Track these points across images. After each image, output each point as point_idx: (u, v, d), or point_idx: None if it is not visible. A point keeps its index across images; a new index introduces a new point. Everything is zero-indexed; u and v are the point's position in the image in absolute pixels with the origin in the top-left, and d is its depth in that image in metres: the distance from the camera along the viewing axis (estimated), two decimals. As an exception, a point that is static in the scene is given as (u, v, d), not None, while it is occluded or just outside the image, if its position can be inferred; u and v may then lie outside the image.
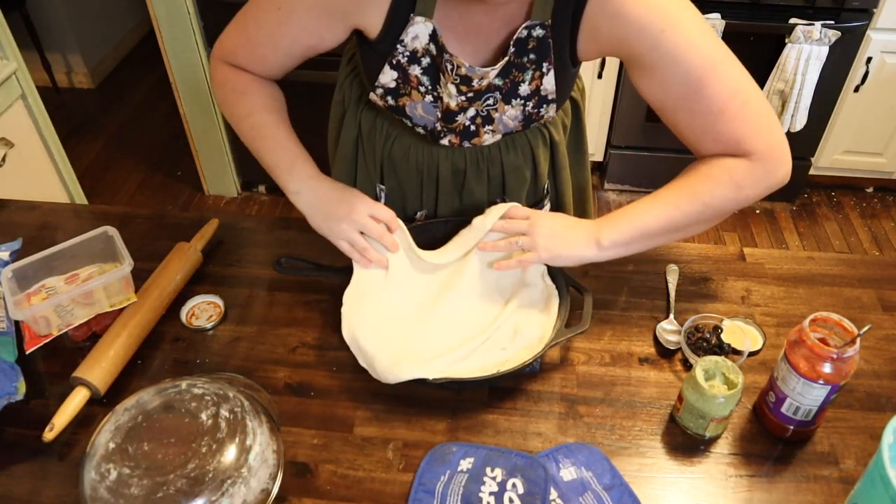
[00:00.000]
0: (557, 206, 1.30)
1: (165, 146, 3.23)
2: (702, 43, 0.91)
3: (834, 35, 2.31)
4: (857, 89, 2.51)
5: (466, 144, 1.09)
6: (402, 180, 1.20)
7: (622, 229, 0.99)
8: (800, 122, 2.50)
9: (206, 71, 2.51)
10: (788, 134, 2.52)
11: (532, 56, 0.98)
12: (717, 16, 2.31)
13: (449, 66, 0.97)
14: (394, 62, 1.00)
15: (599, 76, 2.56)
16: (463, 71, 0.97)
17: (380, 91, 1.05)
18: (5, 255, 1.13)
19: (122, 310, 1.05)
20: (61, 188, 2.23)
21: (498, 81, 1.00)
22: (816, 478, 0.90)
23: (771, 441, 0.94)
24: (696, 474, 0.91)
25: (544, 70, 0.99)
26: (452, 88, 1.00)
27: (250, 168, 2.86)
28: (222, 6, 2.31)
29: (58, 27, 3.40)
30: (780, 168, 0.96)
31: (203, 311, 1.11)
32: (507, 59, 0.97)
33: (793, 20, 2.32)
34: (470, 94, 1.01)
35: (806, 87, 2.40)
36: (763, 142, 0.94)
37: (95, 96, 3.61)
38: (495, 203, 1.22)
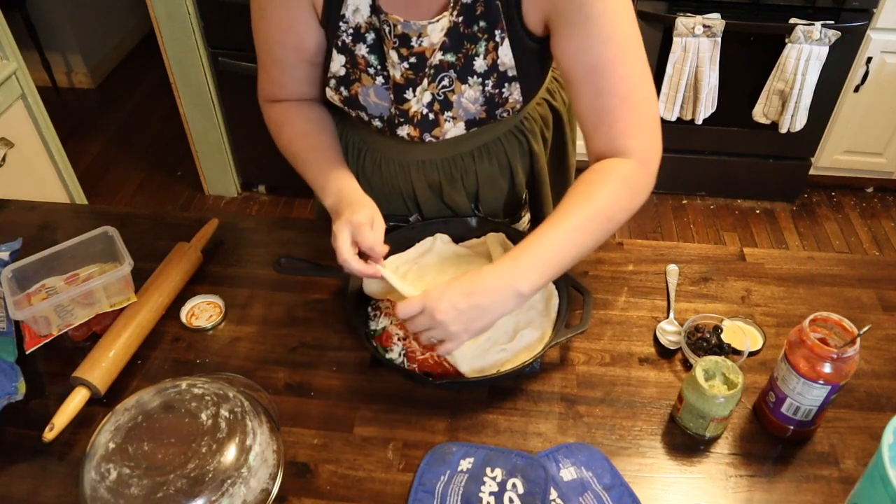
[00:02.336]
0: (537, 222, 1.27)
1: (165, 146, 3.23)
2: (625, 21, 0.92)
3: (834, 35, 2.31)
4: (857, 89, 2.51)
5: (427, 138, 1.05)
6: (380, 195, 1.17)
7: (541, 271, 0.89)
8: (800, 122, 2.50)
9: (206, 71, 2.51)
10: (788, 134, 2.54)
11: (482, 23, 0.94)
12: (717, 16, 2.31)
13: (386, 28, 0.95)
14: (339, 44, 0.99)
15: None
16: (399, 29, 0.94)
17: (333, 83, 1.04)
18: (5, 255, 1.13)
19: (122, 310, 1.05)
20: (61, 188, 2.23)
21: (450, 58, 0.97)
22: (816, 478, 0.90)
23: (771, 441, 0.94)
24: (696, 474, 0.91)
25: (498, 39, 0.95)
26: (394, 55, 0.97)
27: (250, 168, 2.86)
28: (222, 6, 2.31)
29: (58, 27, 3.40)
30: (655, 174, 0.97)
31: (203, 311, 1.11)
32: (449, 13, 0.93)
33: (793, 20, 2.32)
34: (412, 60, 0.97)
35: (806, 87, 2.40)
36: (650, 142, 0.95)
37: (95, 96, 3.61)
38: (475, 209, 1.21)
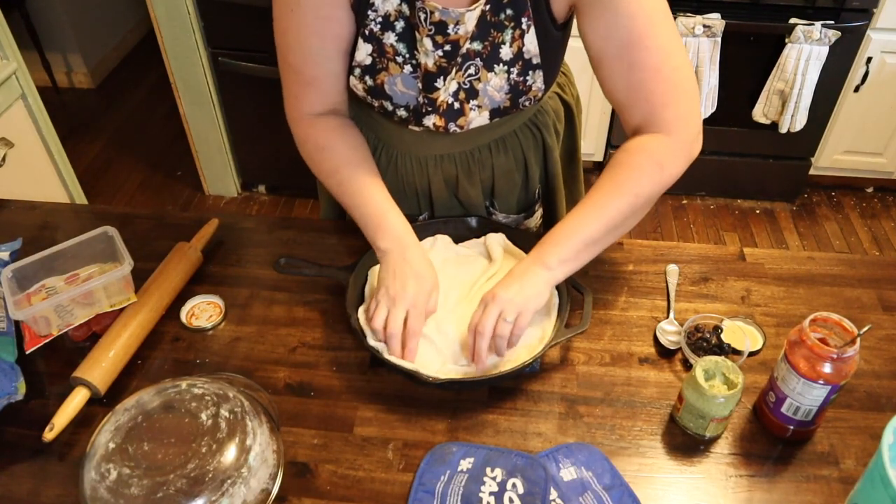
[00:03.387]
0: (550, 218, 1.29)
1: (165, 146, 3.23)
2: None
3: (834, 35, 2.31)
4: (857, 89, 2.51)
5: (452, 127, 1.05)
6: (392, 193, 1.17)
7: (566, 246, 0.96)
8: (800, 122, 2.50)
9: (206, 71, 2.51)
10: (788, 134, 2.54)
11: (509, 11, 0.96)
12: (717, 16, 2.31)
13: (422, 16, 0.95)
14: (367, 33, 0.99)
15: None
16: (437, 16, 0.94)
17: (357, 72, 1.03)
18: (5, 255, 1.13)
19: (122, 310, 1.05)
20: (61, 188, 2.23)
21: (477, 46, 0.98)
22: (816, 478, 0.90)
23: (771, 441, 0.94)
24: (696, 474, 0.91)
25: (524, 27, 0.97)
26: (428, 43, 0.97)
27: (250, 168, 2.86)
28: (222, 6, 2.31)
29: (58, 27, 3.40)
30: (696, 141, 0.99)
31: (203, 311, 1.11)
32: (482, 1, 0.94)
33: (793, 20, 2.32)
34: (447, 48, 0.97)
35: (806, 87, 2.40)
36: (686, 110, 0.98)
37: (95, 96, 3.61)
38: (489, 206, 1.21)
